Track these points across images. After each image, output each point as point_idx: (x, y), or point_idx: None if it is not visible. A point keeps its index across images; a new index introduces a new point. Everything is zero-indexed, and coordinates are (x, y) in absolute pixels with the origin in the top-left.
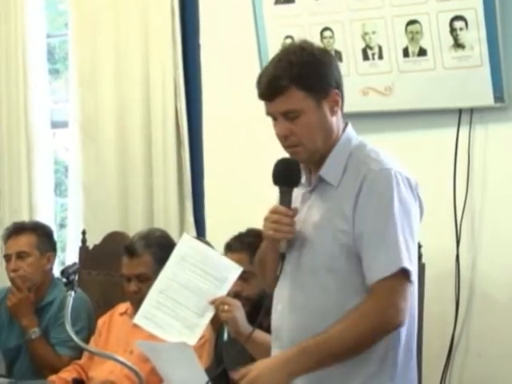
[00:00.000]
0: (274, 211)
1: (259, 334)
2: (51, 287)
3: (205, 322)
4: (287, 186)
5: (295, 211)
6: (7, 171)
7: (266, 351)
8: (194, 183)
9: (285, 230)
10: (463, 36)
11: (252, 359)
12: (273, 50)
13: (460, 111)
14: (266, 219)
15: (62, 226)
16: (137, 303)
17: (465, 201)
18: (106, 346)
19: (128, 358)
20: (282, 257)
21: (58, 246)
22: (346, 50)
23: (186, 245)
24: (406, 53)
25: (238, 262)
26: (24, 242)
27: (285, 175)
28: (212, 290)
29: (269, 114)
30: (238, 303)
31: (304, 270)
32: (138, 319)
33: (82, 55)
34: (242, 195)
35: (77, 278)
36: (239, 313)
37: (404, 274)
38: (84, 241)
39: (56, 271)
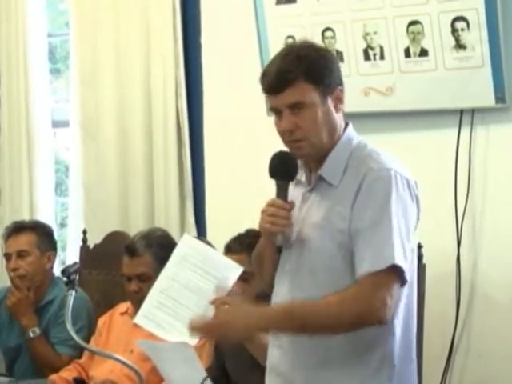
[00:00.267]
0: (270, 204)
1: (259, 334)
2: (51, 286)
3: None
4: (284, 180)
5: (292, 204)
6: (8, 170)
7: (266, 351)
8: (194, 183)
9: (281, 223)
10: (465, 37)
11: (252, 359)
12: (274, 49)
13: (461, 112)
14: (263, 212)
15: (62, 225)
16: (137, 303)
17: (466, 201)
18: (106, 345)
19: (128, 358)
20: (279, 250)
21: (59, 245)
22: (348, 51)
23: (186, 245)
24: (407, 53)
25: (238, 262)
26: (24, 241)
27: (281, 169)
28: (213, 290)
29: (274, 108)
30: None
31: (303, 270)
32: (138, 319)
33: (83, 55)
34: (243, 195)
35: (77, 277)
36: None
37: (395, 272)
38: (85, 240)
39: (56, 270)
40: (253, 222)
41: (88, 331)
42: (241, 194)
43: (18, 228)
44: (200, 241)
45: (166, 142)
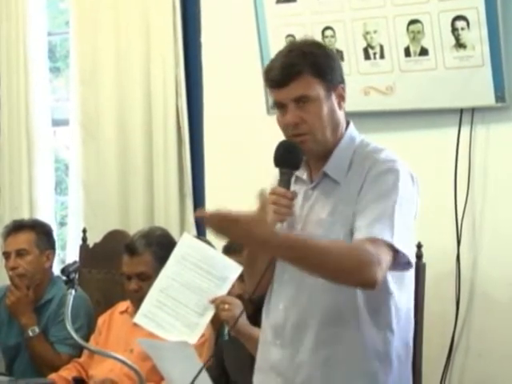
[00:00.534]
0: (272, 193)
1: (259, 333)
2: (50, 285)
3: (205, 321)
4: (288, 168)
5: (294, 194)
6: (8, 169)
7: (257, 343)
8: (194, 182)
9: (283, 212)
10: (465, 36)
11: (252, 358)
12: (274, 48)
13: (461, 111)
14: None
15: (62, 224)
16: (137, 302)
17: (466, 200)
18: (106, 344)
19: (128, 357)
20: None
21: (59, 244)
22: (348, 50)
23: (186, 244)
24: (407, 52)
25: (238, 263)
26: (23, 239)
27: (286, 157)
28: (212, 289)
29: (278, 102)
30: (238, 302)
31: None
32: (138, 318)
33: (83, 53)
34: (243, 194)
35: (77, 276)
36: (239, 312)
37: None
38: (84, 239)
39: (56, 269)
40: None
41: (87, 330)
42: (241, 193)
43: (17, 227)
44: (200, 240)
45: (165, 141)
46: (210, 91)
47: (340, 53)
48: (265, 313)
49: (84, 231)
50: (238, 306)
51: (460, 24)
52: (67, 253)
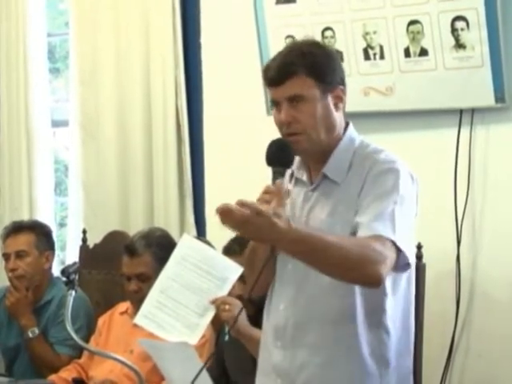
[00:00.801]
0: (265, 191)
1: (259, 334)
2: (50, 286)
3: (205, 322)
4: (280, 167)
5: (288, 192)
6: (7, 170)
7: (258, 344)
8: (194, 182)
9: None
10: (464, 36)
11: (252, 359)
12: (274, 49)
13: (461, 111)
14: (258, 200)
15: (61, 225)
16: (137, 302)
17: (466, 201)
18: (106, 345)
19: (128, 358)
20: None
21: (58, 245)
22: (347, 50)
23: (186, 245)
24: (407, 53)
25: (238, 264)
26: (23, 241)
27: (278, 156)
28: (213, 290)
29: (274, 100)
30: (238, 303)
31: (307, 270)
32: (138, 319)
33: (83, 54)
34: (243, 194)
35: (77, 277)
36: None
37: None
38: (84, 240)
39: (56, 270)
40: None
41: (87, 331)
42: (241, 194)
43: (16, 228)
44: (200, 241)
45: (165, 142)
46: (210, 91)
47: (340, 53)
48: (266, 314)
49: (84, 232)
50: (238, 307)
51: (460, 24)
52: (67, 254)
